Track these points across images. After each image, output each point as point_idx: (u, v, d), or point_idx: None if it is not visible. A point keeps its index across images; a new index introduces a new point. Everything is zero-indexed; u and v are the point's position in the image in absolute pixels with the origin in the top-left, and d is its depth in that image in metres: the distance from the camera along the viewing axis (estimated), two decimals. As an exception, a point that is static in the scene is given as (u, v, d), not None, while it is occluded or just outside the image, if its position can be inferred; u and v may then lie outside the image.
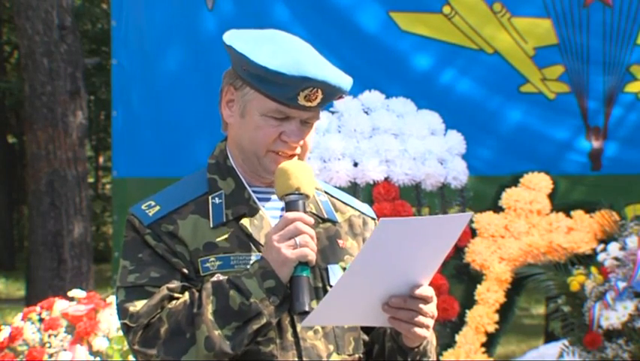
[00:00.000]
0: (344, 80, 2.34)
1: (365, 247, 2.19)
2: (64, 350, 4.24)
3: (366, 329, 2.43)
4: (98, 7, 16.55)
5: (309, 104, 2.31)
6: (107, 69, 10.55)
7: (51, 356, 4.21)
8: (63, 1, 8.53)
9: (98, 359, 4.25)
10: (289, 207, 2.27)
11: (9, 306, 13.49)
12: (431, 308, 2.27)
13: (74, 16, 8.87)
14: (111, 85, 7.40)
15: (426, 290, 2.26)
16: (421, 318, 2.25)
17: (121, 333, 4.27)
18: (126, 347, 4.25)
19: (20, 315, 4.42)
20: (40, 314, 4.36)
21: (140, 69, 7.16)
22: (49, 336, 4.25)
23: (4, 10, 16.68)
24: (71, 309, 4.34)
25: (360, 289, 2.21)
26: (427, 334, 2.30)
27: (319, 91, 2.30)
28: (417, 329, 2.26)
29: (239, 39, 2.35)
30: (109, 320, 4.33)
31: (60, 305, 4.37)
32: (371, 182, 5.68)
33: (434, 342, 2.43)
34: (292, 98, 2.29)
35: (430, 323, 2.28)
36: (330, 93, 2.32)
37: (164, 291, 2.26)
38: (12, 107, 18.00)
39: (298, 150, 2.36)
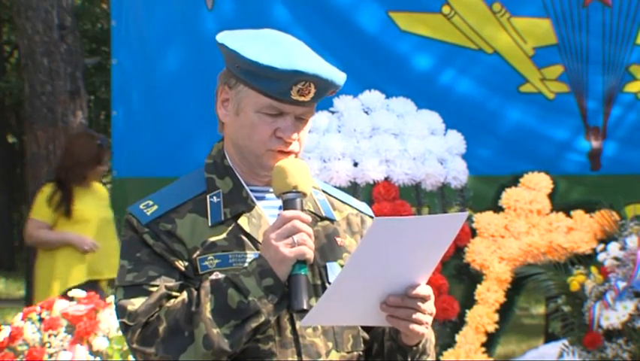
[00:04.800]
0: (336, 75, 2.35)
1: (360, 246, 2.19)
2: (64, 350, 4.24)
3: (366, 327, 2.43)
4: (98, 7, 16.56)
5: (302, 98, 2.32)
6: (107, 69, 10.56)
7: (51, 356, 4.21)
8: (63, 1, 8.53)
9: (98, 359, 4.25)
10: (287, 205, 2.28)
11: (9, 306, 13.49)
12: (429, 306, 2.28)
13: (74, 16, 8.87)
14: (111, 85, 7.41)
15: (423, 289, 2.27)
16: (419, 315, 2.26)
17: (121, 333, 4.27)
18: (126, 346, 4.25)
19: (20, 315, 4.42)
20: (40, 314, 4.36)
21: (140, 69, 7.16)
22: (49, 336, 4.25)
23: (4, 10, 16.69)
24: (71, 309, 4.34)
25: (357, 289, 2.22)
26: (426, 331, 2.31)
27: (312, 85, 2.31)
28: (415, 326, 2.27)
29: (231, 38, 2.37)
30: (109, 320, 4.33)
31: (60, 305, 4.37)
32: (371, 182, 5.68)
33: (433, 340, 2.44)
34: (285, 92, 2.30)
35: (429, 320, 2.29)
36: (323, 88, 2.33)
37: (162, 290, 2.27)
38: (12, 107, 18.02)
39: (294, 147, 2.37)
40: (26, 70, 8.59)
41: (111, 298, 4.43)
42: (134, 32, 7.19)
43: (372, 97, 5.92)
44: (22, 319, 4.37)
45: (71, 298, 4.46)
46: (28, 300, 9.21)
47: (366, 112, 5.86)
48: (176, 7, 7.19)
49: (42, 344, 4.24)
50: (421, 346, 2.36)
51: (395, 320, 2.27)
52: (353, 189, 5.60)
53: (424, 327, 2.28)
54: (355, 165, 5.70)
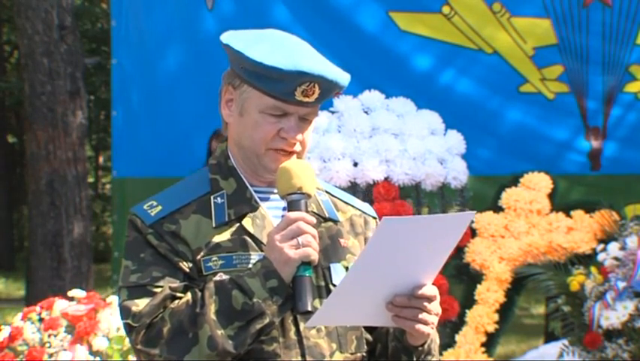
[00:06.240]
0: (341, 75, 2.35)
1: (368, 246, 2.19)
2: (65, 350, 4.24)
3: (369, 328, 2.44)
4: (98, 7, 16.56)
5: (306, 99, 2.32)
6: (107, 69, 10.56)
7: (51, 356, 4.21)
8: (63, 1, 8.53)
9: (98, 359, 4.25)
10: (291, 206, 2.28)
11: (9, 306, 13.49)
12: (435, 306, 2.29)
13: (74, 15, 8.87)
14: (111, 85, 7.41)
15: (429, 289, 2.27)
16: (425, 315, 2.27)
17: (121, 333, 4.28)
18: (126, 346, 4.26)
19: (20, 315, 4.42)
20: (40, 314, 4.36)
21: (140, 69, 7.16)
22: (49, 336, 4.26)
23: (4, 10, 16.68)
24: (71, 309, 4.34)
25: (364, 289, 2.22)
26: (431, 331, 2.31)
27: (316, 86, 2.31)
28: (421, 327, 2.27)
29: (236, 38, 2.37)
30: (109, 320, 4.33)
31: (60, 305, 4.38)
32: (371, 182, 5.68)
33: (438, 341, 2.45)
34: (289, 93, 2.30)
35: (435, 320, 2.30)
36: (327, 88, 2.33)
37: (166, 291, 2.27)
38: (12, 107, 18.00)
39: (298, 148, 2.37)
40: (26, 70, 8.60)
41: (111, 298, 4.43)
42: (134, 32, 7.19)
43: (372, 97, 5.92)
44: (22, 319, 4.37)
45: (71, 298, 4.46)
46: (28, 300, 9.22)
47: (366, 112, 5.86)
48: (176, 7, 7.19)
49: (42, 344, 4.24)
50: (426, 346, 2.37)
51: (401, 320, 2.27)
52: (353, 189, 5.60)
53: (429, 327, 2.29)
54: (355, 165, 5.69)
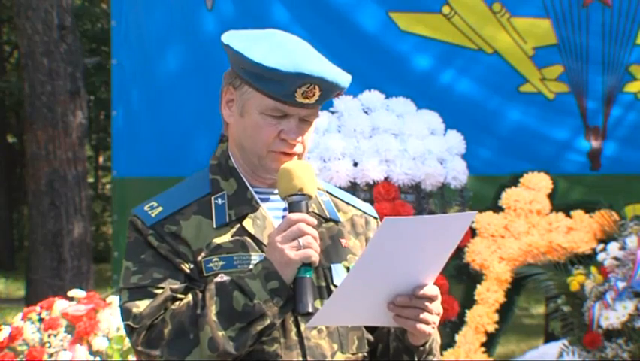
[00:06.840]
0: (341, 77, 2.34)
1: (369, 246, 2.20)
2: (64, 350, 4.24)
3: (370, 328, 2.44)
4: (97, 7, 16.56)
5: (306, 100, 2.31)
6: (107, 69, 10.56)
7: (51, 356, 4.22)
8: (63, 0, 8.53)
9: (97, 359, 4.25)
10: (292, 207, 2.28)
11: (9, 306, 13.49)
12: (436, 306, 2.29)
13: (74, 15, 8.87)
14: (111, 85, 7.41)
15: (431, 289, 2.28)
16: (426, 315, 2.27)
17: (121, 333, 4.28)
18: (126, 346, 4.26)
19: (20, 315, 4.42)
20: (40, 314, 4.36)
21: (140, 69, 7.16)
22: (49, 336, 4.26)
23: (4, 10, 16.68)
24: (71, 309, 4.34)
25: (365, 289, 2.22)
26: (432, 331, 2.32)
27: (316, 87, 2.31)
28: (422, 326, 2.28)
29: (236, 38, 2.36)
30: (109, 320, 4.33)
31: (60, 305, 4.38)
32: (371, 182, 5.68)
33: (439, 341, 2.45)
34: (290, 95, 2.30)
35: (436, 320, 2.30)
36: (328, 90, 2.33)
37: (167, 292, 2.27)
38: (12, 107, 18.00)
39: (298, 149, 2.36)
40: (26, 70, 8.60)
41: (111, 298, 4.43)
42: (134, 32, 7.19)
43: (372, 97, 5.91)
44: (22, 319, 4.38)
45: (71, 298, 4.46)
46: (28, 300, 9.22)
47: (366, 112, 5.86)
48: (176, 7, 7.19)
49: (42, 344, 4.24)
50: (427, 346, 2.37)
51: (402, 320, 2.28)
52: (353, 189, 5.60)
53: (430, 327, 2.29)
54: (355, 165, 5.69)
